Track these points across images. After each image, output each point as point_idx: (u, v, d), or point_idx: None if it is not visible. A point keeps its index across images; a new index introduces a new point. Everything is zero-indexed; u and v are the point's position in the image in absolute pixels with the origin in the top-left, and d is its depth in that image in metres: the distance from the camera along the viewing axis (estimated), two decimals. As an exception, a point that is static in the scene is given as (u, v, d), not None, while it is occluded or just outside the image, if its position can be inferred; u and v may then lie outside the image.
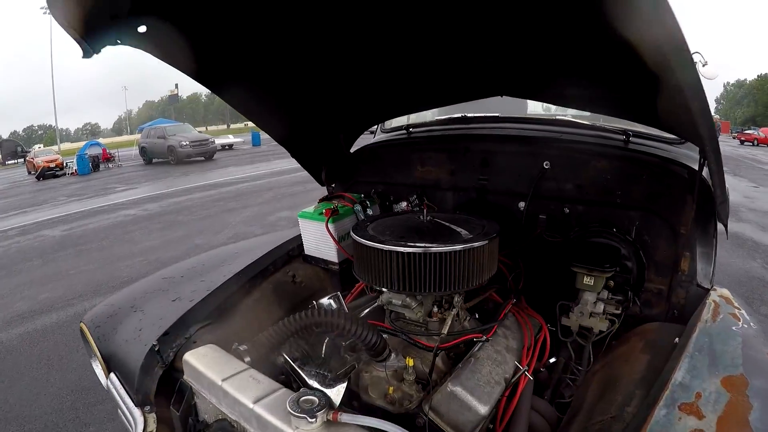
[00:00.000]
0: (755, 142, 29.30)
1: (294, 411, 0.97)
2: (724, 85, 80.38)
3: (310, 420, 0.95)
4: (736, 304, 1.47)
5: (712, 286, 1.61)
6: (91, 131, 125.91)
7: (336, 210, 2.04)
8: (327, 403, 1.01)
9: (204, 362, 1.28)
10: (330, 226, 1.99)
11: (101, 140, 50.48)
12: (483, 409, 1.26)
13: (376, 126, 2.75)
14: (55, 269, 6.63)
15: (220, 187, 13.26)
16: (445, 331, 1.49)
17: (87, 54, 1.21)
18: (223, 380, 1.17)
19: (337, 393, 1.22)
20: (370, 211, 2.16)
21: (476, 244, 1.40)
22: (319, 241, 2.08)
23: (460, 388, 1.28)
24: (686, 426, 1.01)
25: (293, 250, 2.21)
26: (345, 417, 0.99)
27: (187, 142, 21.95)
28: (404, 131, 2.51)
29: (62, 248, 7.85)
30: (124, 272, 6.02)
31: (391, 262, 1.39)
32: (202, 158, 22.50)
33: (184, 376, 1.37)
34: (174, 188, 13.93)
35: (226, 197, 11.62)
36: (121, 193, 14.03)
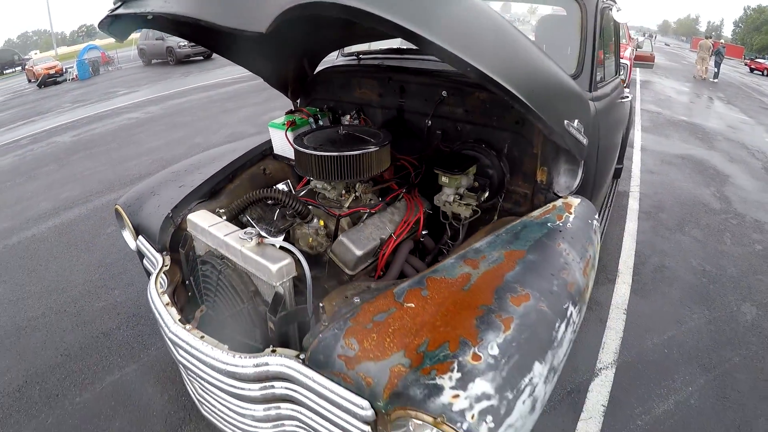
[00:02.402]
0: (765, 72, 28.59)
1: (241, 236, 1.73)
2: (744, 9, 77.96)
3: (249, 240, 1.72)
4: (571, 211, 2.06)
5: (565, 196, 2.21)
6: (87, 33, 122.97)
7: (294, 122, 2.74)
8: (258, 234, 1.75)
9: (199, 218, 1.99)
10: (289, 134, 2.64)
11: (98, 42, 49.83)
12: (358, 252, 1.97)
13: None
14: (71, 172, 7.41)
15: (218, 88, 13.83)
16: (346, 205, 2.21)
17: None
18: (209, 226, 1.90)
19: (279, 239, 2.06)
20: (321, 122, 2.83)
21: (362, 152, 2.04)
22: (284, 144, 2.72)
23: (345, 239, 1.99)
24: (461, 270, 1.63)
25: (266, 150, 2.89)
26: (266, 241, 1.75)
27: (185, 43, 21.95)
28: (355, 57, 3.06)
29: (74, 152, 8.59)
30: (133, 171, 6.77)
31: (311, 161, 2.05)
32: (201, 57, 22.85)
33: (188, 229, 2.15)
34: (174, 90, 14.47)
35: (223, 98, 12.24)
36: (124, 96, 14.55)
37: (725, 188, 6.22)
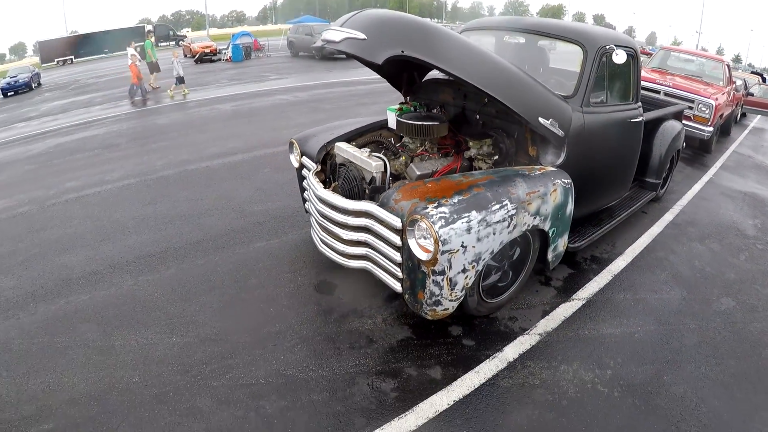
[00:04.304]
0: None
1: (362, 152, 3.82)
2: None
3: (365, 153, 3.81)
4: (542, 171, 3.75)
5: (544, 166, 3.90)
6: (237, 18, 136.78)
7: (402, 109, 4.63)
8: (372, 150, 3.88)
9: (342, 145, 4.06)
10: (396, 115, 4.71)
11: (246, 27, 55.78)
12: (418, 172, 3.85)
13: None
14: (233, 131, 10.06)
15: (357, 85, 16.47)
16: (418, 152, 4.14)
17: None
18: (346, 148, 3.96)
19: (380, 155, 4.03)
20: (418, 111, 4.79)
21: (429, 124, 3.92)
22: (394, 121, 4.80)
23: (413, 166, 3.91)
24: (459, 178, 3.47)
25: (384, 123, 4.81)
26: (372, 155, 3.81)
27: (333, 41, 25.59)
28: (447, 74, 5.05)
29: (235, 118, 11.38)
30: (284, 137, 8.89)
31: (403, 126, 3.98)
32: (344, 56, 25.66)
33: (334, 150, 4.17)
34: (318, 81, 17.53)
35: (360, 93, 14.80)
36: (274, 81, 17.87)
37: (771, 223, 6.59)
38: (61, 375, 3.33)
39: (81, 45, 46.38)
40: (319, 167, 4.34)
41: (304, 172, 4.52)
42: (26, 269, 4.80)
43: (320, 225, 3.91)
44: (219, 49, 29.12)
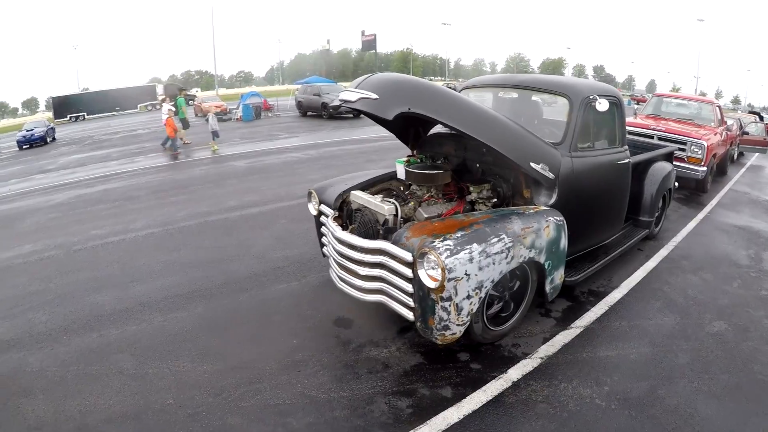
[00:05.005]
0: None
1: (376, 198, 4.31)
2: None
3: (378, 199, 4.28)
4: (535, 210, 4.20)
5: (537, 206, 4.36)
6: (245, 79, 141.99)
7: (409, 161, 5.14)
8: (384, 196, 4.34)
9: (357, 193, 4.54)
10: (404, 166, 5.13)
11: (255, 88, 57.51)
12: (425, 215, 4.29)
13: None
14: (249, 186, 10.61)
15: (366, 143, 17.21)
16: (424, 197, 4.60)
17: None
18: (361, 195, 4.44)
19: (392, 201, 4.51)
20: (424, 162, 5.35)
21: (433, 172, 4.47)
22: (403, 172, 5.23)
23: (420, 210, 4.36)
24: (462, 217, 3.97)
25: (393, 174, 5.29)
26: (384, 200, 4.28)
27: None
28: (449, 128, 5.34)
29: (250, 174, 11.96)
30: (298, 191, 9.50)
31: (411, 174, 4.53)
32: (352, 115, 26.48)
33: (350, 198, 4.64)
34: (328, 140, 18.26)
35: (368, 151, 15.44)
36: (285, 140, 18.63)
37: (765, 253, 6.91)
38: (97, 398, 3.68)
39: (93, 102, 48.22)
40: (337, 213, 4.80)
41: (322, 218, 4.99)
42: (58, 306, 5.21)
43: (339, 264, 4.34)
44: (229, 109, 30.23)
